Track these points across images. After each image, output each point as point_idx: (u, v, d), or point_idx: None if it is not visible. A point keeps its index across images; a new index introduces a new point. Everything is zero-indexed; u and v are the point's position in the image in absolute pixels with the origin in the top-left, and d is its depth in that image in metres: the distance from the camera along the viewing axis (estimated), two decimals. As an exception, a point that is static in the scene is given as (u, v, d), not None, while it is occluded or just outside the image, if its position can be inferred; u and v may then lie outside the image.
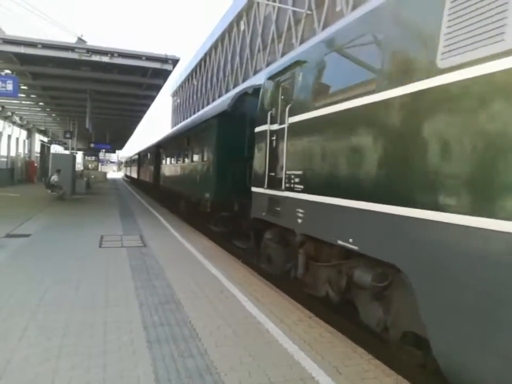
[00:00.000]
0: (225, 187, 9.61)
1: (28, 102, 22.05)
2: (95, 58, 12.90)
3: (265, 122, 6.35)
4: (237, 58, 34.48)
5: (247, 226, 8.28)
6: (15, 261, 6.75)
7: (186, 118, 45.74)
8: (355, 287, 4.45)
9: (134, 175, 39.99)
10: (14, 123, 27.22)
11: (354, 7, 17.14)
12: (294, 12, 23.27)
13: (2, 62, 13.56)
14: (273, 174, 6.09)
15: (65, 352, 3.49)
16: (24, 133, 31.67)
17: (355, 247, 4.02)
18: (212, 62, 42.59)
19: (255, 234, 7.25)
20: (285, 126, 5.63)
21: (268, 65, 26.57)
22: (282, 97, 6.10)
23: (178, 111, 61.65)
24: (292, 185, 5.38)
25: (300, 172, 5.25)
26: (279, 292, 5.61)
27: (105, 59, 12.99)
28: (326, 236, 4.67)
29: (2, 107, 21.66)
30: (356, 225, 4.02)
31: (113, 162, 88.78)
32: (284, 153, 5.65)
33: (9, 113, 24.65)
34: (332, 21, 19.16)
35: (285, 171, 5.58)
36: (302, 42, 22.08)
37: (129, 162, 53.95)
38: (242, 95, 9.90)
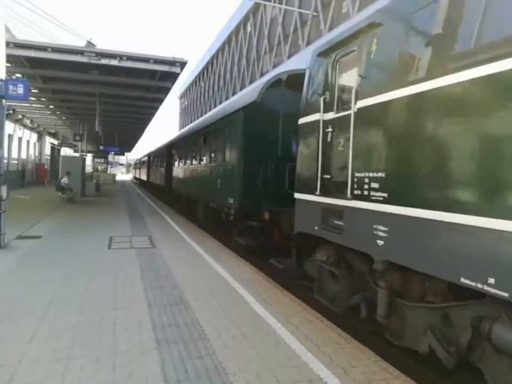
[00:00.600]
0: (253, 192, 8.11)
1: (38, 105, 22.32)
2: (104, 61, 13.04)
3: (316, 111, 5.07)
4: (244, 60, 34.55)
5: (281, 240, 7.39)
6: (26, 262, 6.84)
7: (194, 120, 45.96)
8: (488, 347, 3.07)
9: (144, 178, 38.55)
10: (24, 126, 27.56)
11: (360, 9, 17.10)
12: (300, 13, 23.27)
13: (14, 65, 13.77)
14: (328, 176, 4.81)
15: (75, 353, 3.53)
16: (34, 136, 32.05)
17: (502, 293, 2.60)
18: (219, 64, 42.73)
19: (298, 252, 5.79)
20: (350, 112, 4.32)
21: (274, 67, 26.59)
22: (342, 76, 4.81)
23: (186, 113, 61.94)
24: (365, 192, 3.99)
25: (380, 174, 3.81)
26: (286, 293, 5.62)
27: (114, 62, 13.13)
28: (434, 269, 3.20)
29: (13, 110, 21.90)
30: (505, 258, 2.61)
31: (122, 164, 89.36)
32: (348, 149, 4.30)
33: (20, 116, 24.96)
34: (338, 22, 19.14)
35: (352, 173, 4.21)
36: (308, 43, 22.07)
37: (138, 164, 52.15)
38: (275, 83, 8.33)
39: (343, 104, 4.69)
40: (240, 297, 5.32)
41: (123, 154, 62.32)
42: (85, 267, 6.59)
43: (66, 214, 13.87)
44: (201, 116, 41.94)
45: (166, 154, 21.01)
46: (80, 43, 14.28)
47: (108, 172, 50.71)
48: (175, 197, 18.37)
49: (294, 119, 6.13)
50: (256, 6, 30.23)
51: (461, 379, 3.79)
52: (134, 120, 26.32)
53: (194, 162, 14.11)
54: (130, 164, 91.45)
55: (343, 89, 4.76)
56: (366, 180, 4.00)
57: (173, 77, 15.23)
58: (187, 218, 14.34)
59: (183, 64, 13.80)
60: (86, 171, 27.23)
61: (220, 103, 38.08)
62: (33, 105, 22.05)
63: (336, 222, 4.53)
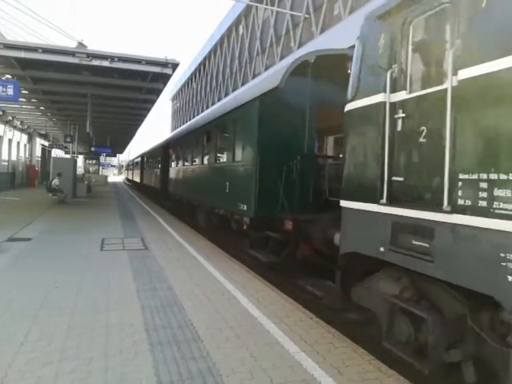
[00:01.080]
0: (272, 197, 6.84)
1: (29, 107, 22.12)
2: (95, 62, 12.97)
3: (377, 91, 3.93)
4: (236, 62, 34.58)
5: (309, 255, 6.40)
6: (16, 265, 6.76)
7: (186, 122, 45.84)
8: None
9: (137, 179, 36.92)
10: (14, 127, 27.29)
11: (351, 11, 17.23)
12: (292, 16, 23.36)
13: (3, 66, 13.64)
14: (401, 179, 3.64)
15: (66, 355, 3.50)
16: (25, 137, 31.73)
17: None
18: (211, 65, 42.71)
19: (344, 276, 4.58)
20: (446, 87, 3.13)
21: (266, 68, 26.66)
22: (419, 41, 3.64)
23: (178, 115, 61.77)
24: (482, 203, 2.80)
25: None
26: (279, 293, 5.62)
27: (106, 63, 13.07)
28: None
29: (3, 111, 21.72)
30: None
31: (114, 166, 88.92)
32: (442, 139, 3.13)
33: (10, 118, 24.72)
34: (329, 24, 19.25)
35: (453, 173, 3.02)
36: (300, 45, 22.17)
37: (131, 165, 50.25)
38: (300, 66, 6.92)
39: (425, 79, 3.52)
40: (233, 298, 5.31)
41: (115, 156, 62.07)
42: (76, 269, 6.53)
43: (57, 215, 13.73)
44: (193, 117, 41.84)
45: (162, 154, 19.76)
46: (71, 44, 14.27)
47: (100, 173, 50.33)
48: (172, 200, 17.06)
49: (323, 108, 5.41)
50: (248, 8, 30.30)
51: (455, 378, 3.82)
52: (125, 122, 26.22)
53: (195, 162, 12.66)
54: (122, 166, 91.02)
55: (424, 58, 3.58)
56: (483, 185, 2.80)
57: (165, 78, 15.21)
58: (185, 223, 13.23)
59: (175, 66, 13.78)
60: (78, 172, 27.00)
61: (212, 104, 38.08)
62: (24, 106, 21.86)
63: (419, 243, 3.30)
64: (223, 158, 9.65)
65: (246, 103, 8.03)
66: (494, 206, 2.72)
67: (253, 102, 7.56)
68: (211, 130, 10.79)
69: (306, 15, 21.28)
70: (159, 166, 20.43)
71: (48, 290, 5.32)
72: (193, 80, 51.38)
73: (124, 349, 3.64)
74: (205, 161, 11.41)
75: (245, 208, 7.57)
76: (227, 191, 8.74)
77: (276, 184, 6.85)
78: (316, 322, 4.54)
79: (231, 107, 9.14)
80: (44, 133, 33.18)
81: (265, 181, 7.05)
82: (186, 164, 14.00)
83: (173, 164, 16.68)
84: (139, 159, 35.84)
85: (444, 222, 3.08)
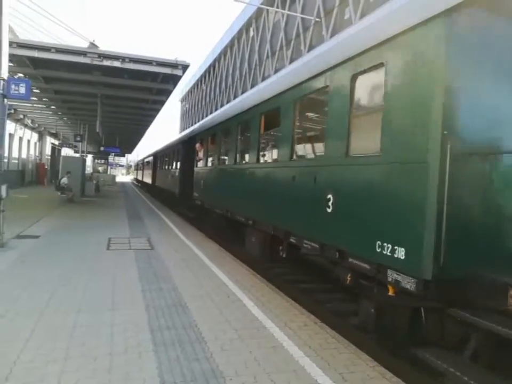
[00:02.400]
0: (479, 238, 3.57)
1: (40, 105, 22.36)
2: (107, 63, 13.07)
3: None
4: (246, 64, 34.68)
5: None
6: (24, 262, 6.82)
7: (195, 123, 46.01)
8: None
9: (148, 180, 33.32)
10: (25, 126, 27.60)
11: (362, 15, 17.19)
12: (302, 19, 23.38)
13: (16, 65, 13.80)
14: None
15: (71, 353, 3.51)
16: (35, 136, 32.08)
17: None
18: (221, 68, 42.88)
19: None
20: None
21: (276, 71, 26.68)
22: None
23: (187, 116, 62.07)
24: None
25: None
26: (284, 297, 5.60)
27: (117, 64, 13.15)
28: None
29: (15, 110, 21.96)
30: None
31: (122, 165, 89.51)
32: None
33: (21, 116, 24.99)
34: (340, 28, 19.23)
35: None
36: (310, 49, 22.17)
37: (141, 165, 46.83)
38: None
39: None
40: (238, 300, 5.30)
41: (123, 156, 62.39)
42: (83, 267, 6.57)
43: (65, 214, 13.84)
44: (202, 119, 41.99)
45: (183, 151, 16.41)
46: (83, 44, 14.42)
47: (108, 172, 50.69)
48: (198, 209, 13.41)
49: None
50: (259, 11, 30.39)
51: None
52: (135, 122, 26.37)
53: (248, 160, 8.64)
54: (131, 166, 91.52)
55: None
56: None
57: (175, 80, 15.27)
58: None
59: (185, 67, 13.83)
60: (86, 172, 27.21)
61: (221, 106, 38.17)
62: (35, 105, 22.09)
63: None
64: (329, 149, 5.32)
65: (411, 29, 3.87)
66: None
67: (427, 25, 3.68)
68: (285, 107, 6.62)
69: (317, 19, 21.28)
70: (178, 165, 17.21)
71: (54, 288, 5.35)
72: (203, 82, 51.61)
73: (129, 349, 3.65)
74: (275, 158, 7.48)
75: (402, 255, 3.74)
76: (334, 211, 4.93)
77: (487, 203, 3.60)
78: (320, 327, 4.52)
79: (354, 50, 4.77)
80: (54, 131, 33.49)
81: (462, 196, 3.55)
82: (229, 162, 10.00)
83: (202, 163, 12.96)
84: (150, 158, 33.35)
85: None
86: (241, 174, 8.95)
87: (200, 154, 13.23)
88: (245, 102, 9.37)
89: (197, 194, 13.11)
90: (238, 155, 9.32)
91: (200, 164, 13.18)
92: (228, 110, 11.56)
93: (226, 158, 10.44)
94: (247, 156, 8.88)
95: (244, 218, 8.43)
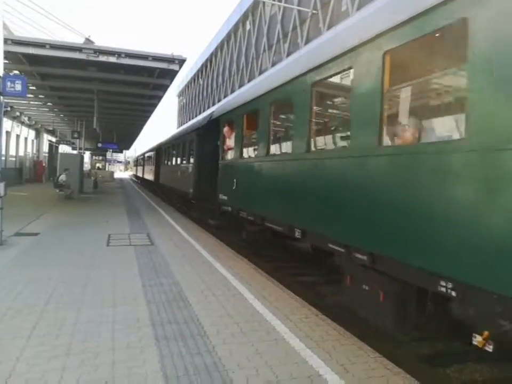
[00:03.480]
0: None
1: (36, 102, 22.25)
2: (102, 58, 12.99)
3: None
4: (243, 58, 34.50)
5: None
6: (24, 259, 6.81)
7: (192, 118, 45.84)
8: None
9: (149, 177, 29.73)
10: (22, 123, 27.48)
11: (359, 7, 17.09)
12: (299, 11, 23.24)
13: (11, 62, 13.70)
14: None
15: (73, 349, 3.52)
16: (32, 133, 31.95)
17: None
18: (218, 62, 42.66)
19: None
20: None
21: (273, 65, 26.56)
22: None
23: (184, 111, 61.86)
24: None
25: None
26: (285, 290, 5.61)
27: (112, 59, 13.08)
28: None
29: (11, 107, 21.85)
30: None
31: (120, 162, 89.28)
32: None
33: (17, 114, 24.88)
34: (337, 20, 19.12)
35: None
36: (307, 42, 22.06)
37: (141, 160, 42.02)
38: None
39: None
40: (239, 294, 5.31)
41: (121, 152, 62.29)
42: (83, 264, 6.57)
43: (64, 211, 13.82)
44: (200, 113, 41.81)
45: (197, 141, 12.98)
46: (79, 40, 14.29)
47: (106, 169, 50.60)
48: (227, 218, 10.02)
49: None
50: (255, 4, 30.19)
51: (462, 376, 3.80)
52: (132, 118, 26.29)
53: (327, 145, 5.77)
54: (129, 162, 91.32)
55: None
56: None
57: (172, 75, 15.20)
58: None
59: (181, 62, 13.76)
60: (84, 168, 27.15)
61: (219, 101, 38.02)
62: (31, 102, 21.97)
63: None
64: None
65: None
66: None
67: None
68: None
69: (314, 11, 21.15)
70: (191, 159, 13.82)
71: (55, 285, 5.36)
72: (200, 76, 51.38)
73: (131, 344, 3.66)
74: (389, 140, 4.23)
75: None
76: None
77: None
78: (321, 319, 4.53)
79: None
80: (51, 128, 33.36)
81: None
82: (292, 150, 6.10)
83: (234, 153, 9.09)
84: (151, 153, 29.61)
85: None
86: (317, 168, 5.30)
87: (230, 142, 9.45)
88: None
89: (225, 198, 9.42)
90: (308, 139, 5.45)
91: (230, 155, 9.44)
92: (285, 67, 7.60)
93: (284, 144, 6.91)
94: (325, 140, 5.55)
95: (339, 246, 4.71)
